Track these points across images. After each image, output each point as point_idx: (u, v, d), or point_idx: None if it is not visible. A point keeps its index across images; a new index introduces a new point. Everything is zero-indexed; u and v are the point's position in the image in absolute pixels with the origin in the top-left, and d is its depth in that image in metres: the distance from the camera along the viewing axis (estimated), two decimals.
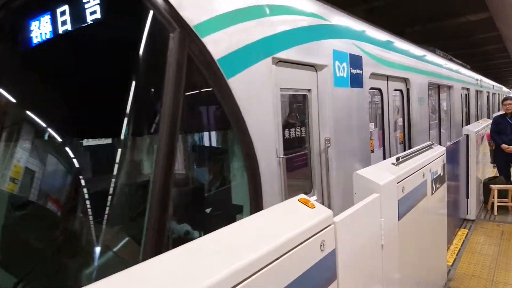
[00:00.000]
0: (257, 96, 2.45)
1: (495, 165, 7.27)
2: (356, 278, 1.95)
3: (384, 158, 4.74)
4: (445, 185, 3.73)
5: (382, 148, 4.91)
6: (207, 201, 2.29)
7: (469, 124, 10.17)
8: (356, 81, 3.82)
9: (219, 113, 2.29)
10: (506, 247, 4.68)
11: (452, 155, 4.79)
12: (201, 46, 2.04)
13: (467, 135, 5.79)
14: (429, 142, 3.79)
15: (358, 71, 3.87)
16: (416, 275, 2.97)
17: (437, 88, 7.60)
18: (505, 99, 6.61)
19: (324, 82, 3.28)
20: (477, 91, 12.52)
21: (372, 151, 4.44)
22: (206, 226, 2.19)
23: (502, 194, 6.19)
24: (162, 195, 1.75)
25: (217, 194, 2.33)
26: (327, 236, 1.63)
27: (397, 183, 2.50)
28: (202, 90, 2.17)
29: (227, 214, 2.39)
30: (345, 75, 3.59)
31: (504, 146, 6.32)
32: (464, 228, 5.50)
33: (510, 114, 6.39)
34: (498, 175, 6.93)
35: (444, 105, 8.53)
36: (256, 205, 2.32)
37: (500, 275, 3.95)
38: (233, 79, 2.23)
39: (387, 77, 4.88)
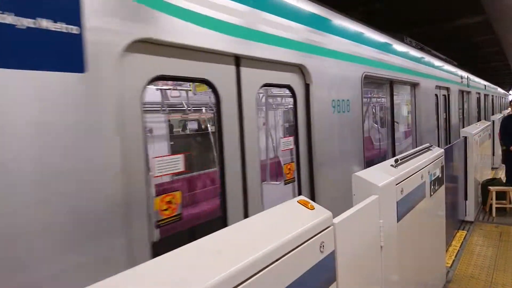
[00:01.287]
0: None
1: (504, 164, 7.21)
2: (356, 280, 1.95)
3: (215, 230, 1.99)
4: (443, 186, 3.74)
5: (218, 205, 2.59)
6: None
7: (449, 135, 8.43)
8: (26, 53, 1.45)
9: None
10: (504, 249, 4.69)
11: (451, 157, 4.80)
12: None
13: (465, 137, 5.81)
14: (427, 144, 3.79)
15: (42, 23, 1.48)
16: (415, 277, 2.97)
17: (388, 86, 5.38)
18: None
19: None
20: (462, 91, 10.11)
21: (177, 217, 2.06)
22: None
23: (500, 195, 6.21)
24: None
25: None
26: (327, 238, 1.63)
27: (396, 184, 2.51)
28: None
29: None
30: None
31: None
32: (463, 229, 5.51)
33: None
34: (496, 177, 6.94)
35: (404, 110, 6.51)
36: None
37: (499, 276, 3.95)
38: None
39: (238, 59, 2.58)
